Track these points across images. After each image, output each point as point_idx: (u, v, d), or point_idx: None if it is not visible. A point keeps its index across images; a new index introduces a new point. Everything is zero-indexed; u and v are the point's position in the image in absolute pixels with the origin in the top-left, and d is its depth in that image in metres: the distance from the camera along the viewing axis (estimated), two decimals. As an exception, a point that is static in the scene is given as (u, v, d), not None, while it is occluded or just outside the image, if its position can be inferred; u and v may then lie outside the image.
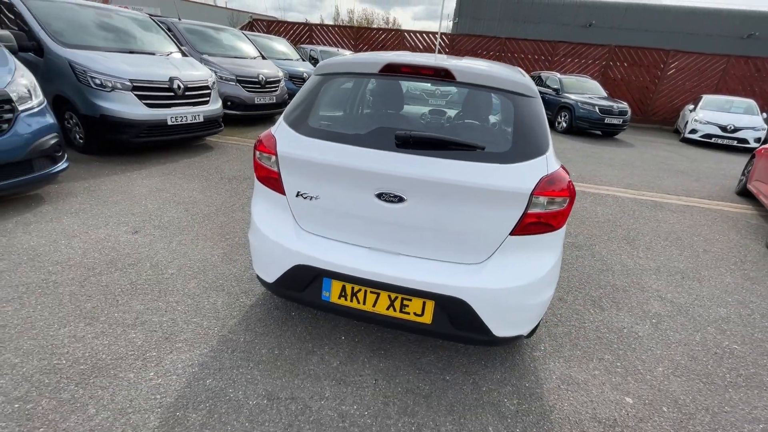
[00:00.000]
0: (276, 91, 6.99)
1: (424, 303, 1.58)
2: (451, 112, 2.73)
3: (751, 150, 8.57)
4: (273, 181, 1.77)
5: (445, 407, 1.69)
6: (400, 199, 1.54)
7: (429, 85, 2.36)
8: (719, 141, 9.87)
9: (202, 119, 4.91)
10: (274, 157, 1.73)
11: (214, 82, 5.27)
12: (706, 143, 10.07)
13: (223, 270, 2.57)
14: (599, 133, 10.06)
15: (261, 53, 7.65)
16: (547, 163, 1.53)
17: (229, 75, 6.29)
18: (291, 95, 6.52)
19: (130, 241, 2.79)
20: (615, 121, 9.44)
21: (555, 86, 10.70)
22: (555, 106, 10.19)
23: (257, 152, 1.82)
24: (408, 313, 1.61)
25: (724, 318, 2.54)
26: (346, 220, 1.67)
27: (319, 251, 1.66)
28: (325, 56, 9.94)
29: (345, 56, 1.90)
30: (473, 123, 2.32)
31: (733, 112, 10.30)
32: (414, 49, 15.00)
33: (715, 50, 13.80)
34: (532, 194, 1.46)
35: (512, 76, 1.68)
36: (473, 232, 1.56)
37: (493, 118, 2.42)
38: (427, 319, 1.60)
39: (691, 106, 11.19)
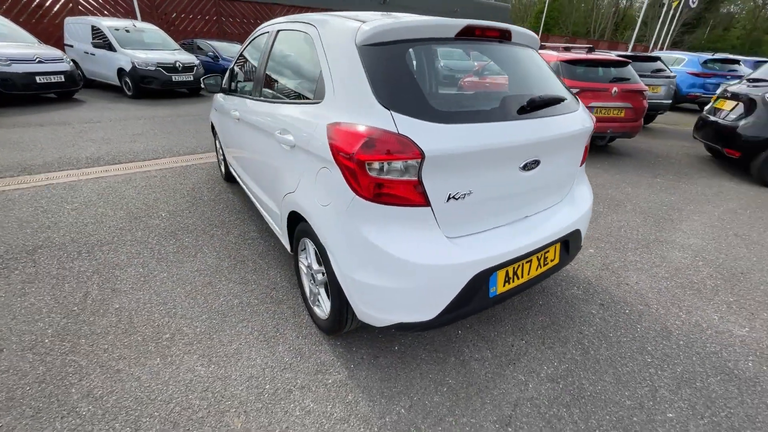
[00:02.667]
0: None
1: (555, 248, 1.78)
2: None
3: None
4: (410, 193, 1.32)
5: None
6: (537, 163, 1.58)
7: (460, 50, 2.09)
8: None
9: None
10: (417, 161, 1.28)
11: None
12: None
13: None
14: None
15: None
16: (581, 105, 1.95)
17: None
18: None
19: None
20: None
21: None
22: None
23: (370, 163, 1.27)
24: (547, 263, 1.77)
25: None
26: (492, 204, 1.53)
27: (483, 251, 1.47)
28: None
29: (410, 19, 1.48)
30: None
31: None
32: (98, 10, 11.28)
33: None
34: (591, 131, 1.87)
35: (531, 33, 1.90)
36: (569, 173, 1.84)
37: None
38: (556, 259, 1.82)
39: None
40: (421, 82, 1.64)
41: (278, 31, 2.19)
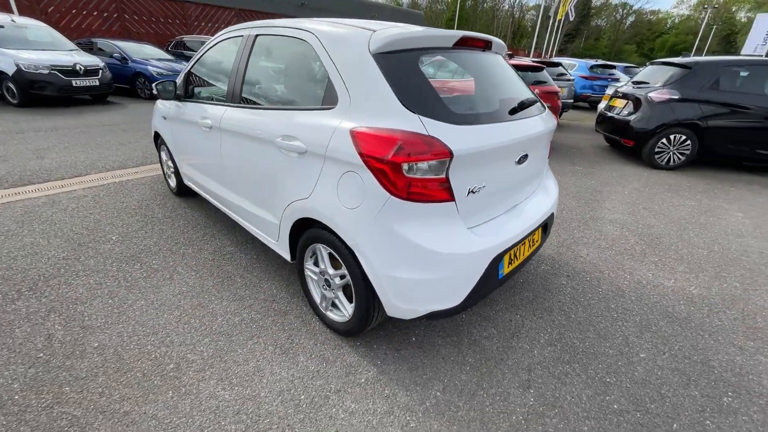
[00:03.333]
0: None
1: (539, 230, 2.05)
2: None
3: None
4: (438, 189, 1.43)
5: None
6: (526, 157, 1.82)
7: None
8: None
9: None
10: (446, 160, 1.39)
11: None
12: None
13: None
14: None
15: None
16: (546, 107, 2.25)
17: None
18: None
19: None
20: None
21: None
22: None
23: (405, 164, 1.35)
24: (534, 244, 2.03)
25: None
26: (497, 196, 1.72)
27: (495, 238, 1.64)
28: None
29: (417, 29, 1.57)
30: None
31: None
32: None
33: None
34: (555, 128, 2.19)
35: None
36: (542, 165, 2.12)
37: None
38: (539, 240, 2.10)
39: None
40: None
41: (256, 36, 2.12)
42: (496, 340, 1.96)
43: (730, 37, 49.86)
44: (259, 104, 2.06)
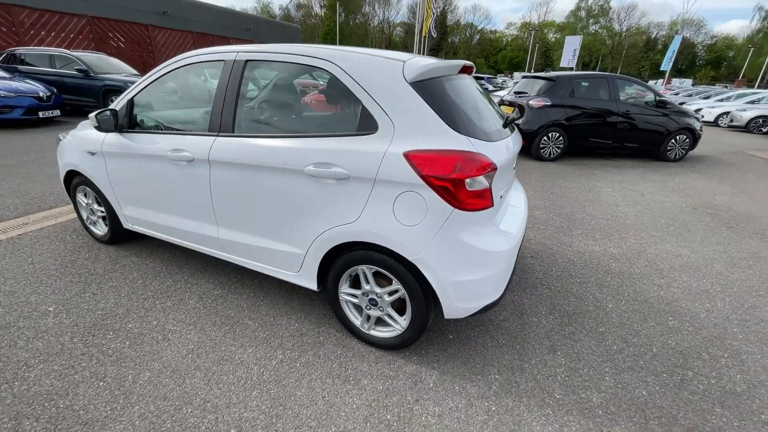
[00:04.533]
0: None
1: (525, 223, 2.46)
2: None
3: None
4: (485, 198, 1.64)
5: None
6: (516, 164, 2.18)
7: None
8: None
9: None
10: (492, 173, 1.61)
11: None
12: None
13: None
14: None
15: None
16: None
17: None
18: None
19: None
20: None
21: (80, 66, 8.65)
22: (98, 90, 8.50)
23: (468, 180, 1.53)
24: (523, 236, 2.43)
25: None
26: (503, 198, 2.03)
27: (514, 232, 1.94)
28: None
29: (435, 61, 1.74)
30: None
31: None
32: None
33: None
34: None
35: None
36: (514, 171, 2.54)
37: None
38: (524, 232, 2.51)
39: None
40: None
41: (246, 61, 2.00)
42: (512, 321, 2.28)
43: (547, 53, 63.54)
44: (266, 133, 1.95)
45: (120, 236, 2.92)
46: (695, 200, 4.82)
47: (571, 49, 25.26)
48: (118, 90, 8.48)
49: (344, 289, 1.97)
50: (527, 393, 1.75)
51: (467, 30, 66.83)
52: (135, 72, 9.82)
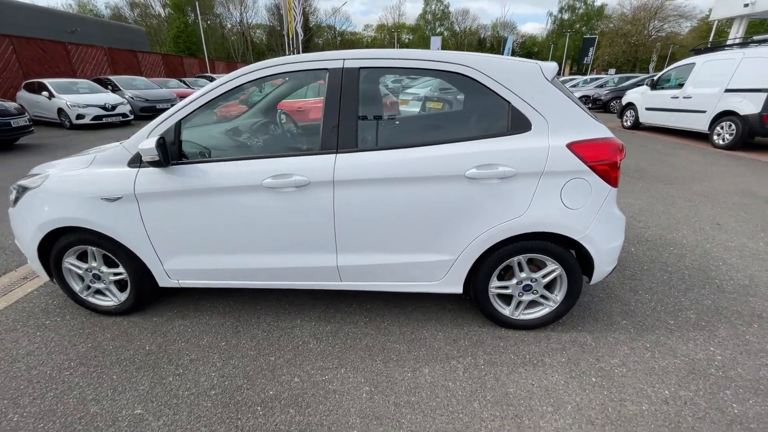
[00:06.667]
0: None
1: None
2: None
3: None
4: (619, 174, 1.94)
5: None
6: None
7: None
8: (108, 120, 10.63)
9: None
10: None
11: None
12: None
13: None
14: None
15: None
16: None
17: None
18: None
19: None
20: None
21: None
22: None
23: (619, 161, 1.80)
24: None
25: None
26: None
27: None
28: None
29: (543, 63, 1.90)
30: None
31: (93, 92, 10.91)
32: None
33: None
34: None
35: None
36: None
37: None
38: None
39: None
40: None
41: (359, 69, 1.83)
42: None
43: (404, 52, 69.47)
44: (401, 144, 1.84)
45: (145, 300, 2.27)
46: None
47: (435, 48, 28.62)
48: None
49: (494, 284, 2.03)
50: (659, 327, 2.17)
51: (328, 32, 67.91)
52: None
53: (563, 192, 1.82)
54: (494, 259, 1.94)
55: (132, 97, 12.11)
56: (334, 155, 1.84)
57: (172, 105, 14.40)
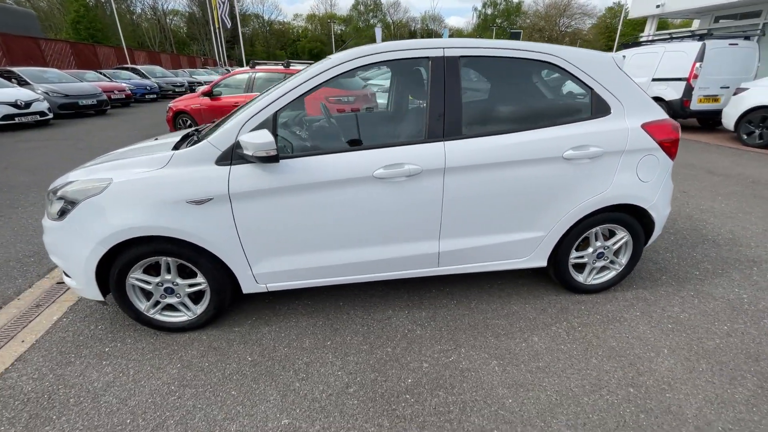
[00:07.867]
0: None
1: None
2: None
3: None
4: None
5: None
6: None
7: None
8: (22, 120, 9.01)
9: None
10: None
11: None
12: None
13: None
14: None
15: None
16: None
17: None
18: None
19: None
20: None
21: None
22: None
23: (678, 138, 2.10)
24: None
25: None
26: None
27: None
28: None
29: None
30: None
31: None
32: None
33: None
34: None
35: None
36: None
37: None
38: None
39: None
40: None
41: (459, 57, 1.87)
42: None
43: (341, 42, 68.53)
44: (502, 130, 1.93)
45: (222, 311, 2.09)
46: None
47: (378, 39, 28.65)
48: None
49: (573, 255, 2.25)
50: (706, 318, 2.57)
51: (254, 21, 64.05)
52: None
53: (638, 167, 2.07)
54: (577, 232, 2.15)
55: (47, 93, 10.32)
56: (442, 143, 1.87)
57: (98, 100, 12.69)
